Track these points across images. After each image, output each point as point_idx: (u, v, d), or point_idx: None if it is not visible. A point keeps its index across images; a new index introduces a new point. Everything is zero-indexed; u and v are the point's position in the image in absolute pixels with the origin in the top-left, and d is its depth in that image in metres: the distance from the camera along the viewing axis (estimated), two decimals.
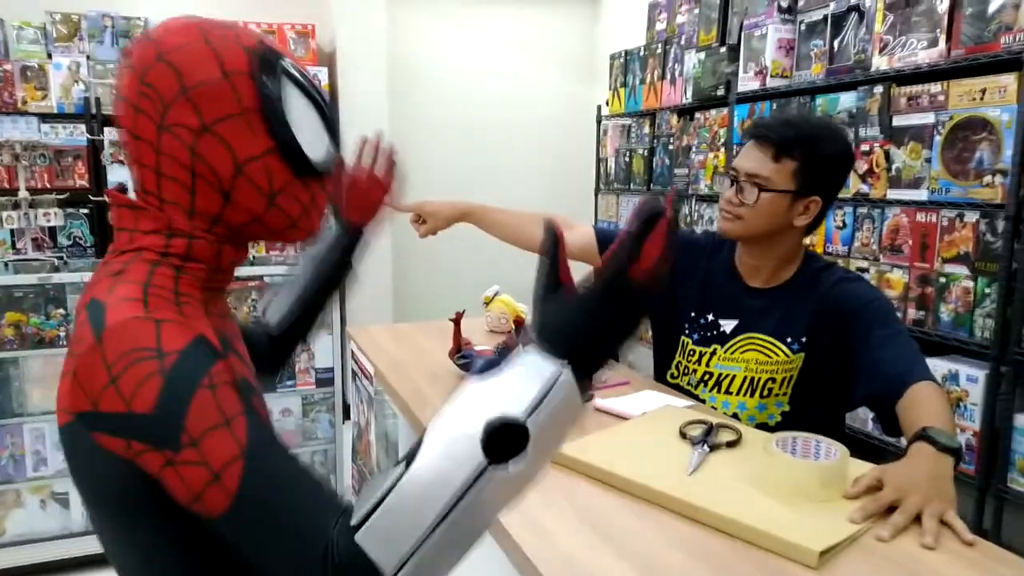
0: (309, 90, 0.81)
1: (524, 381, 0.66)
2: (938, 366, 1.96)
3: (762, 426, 1.48)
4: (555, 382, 0.65)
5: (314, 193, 0.82)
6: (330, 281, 1.23)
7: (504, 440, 0.63)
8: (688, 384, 1.62)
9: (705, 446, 1.17)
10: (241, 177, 0.76)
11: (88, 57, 3.42)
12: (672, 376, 1.66)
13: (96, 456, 0.69)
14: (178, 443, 0.64)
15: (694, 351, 1.60)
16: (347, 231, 1.23)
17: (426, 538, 0.63)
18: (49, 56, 3.40)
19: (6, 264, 2.72)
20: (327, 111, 0.83)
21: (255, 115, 0.76)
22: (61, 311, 2.65)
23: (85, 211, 3.38)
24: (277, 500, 0.65)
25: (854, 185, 2.25)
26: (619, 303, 0.68)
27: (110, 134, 3.26)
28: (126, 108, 0.77)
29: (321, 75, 3.81)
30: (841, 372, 1.44)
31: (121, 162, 3.22)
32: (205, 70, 0.74)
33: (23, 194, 2.90)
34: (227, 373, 0.68)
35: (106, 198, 3.13)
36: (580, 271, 0.72)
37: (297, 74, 0.80)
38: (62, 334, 2.64)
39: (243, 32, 0.79)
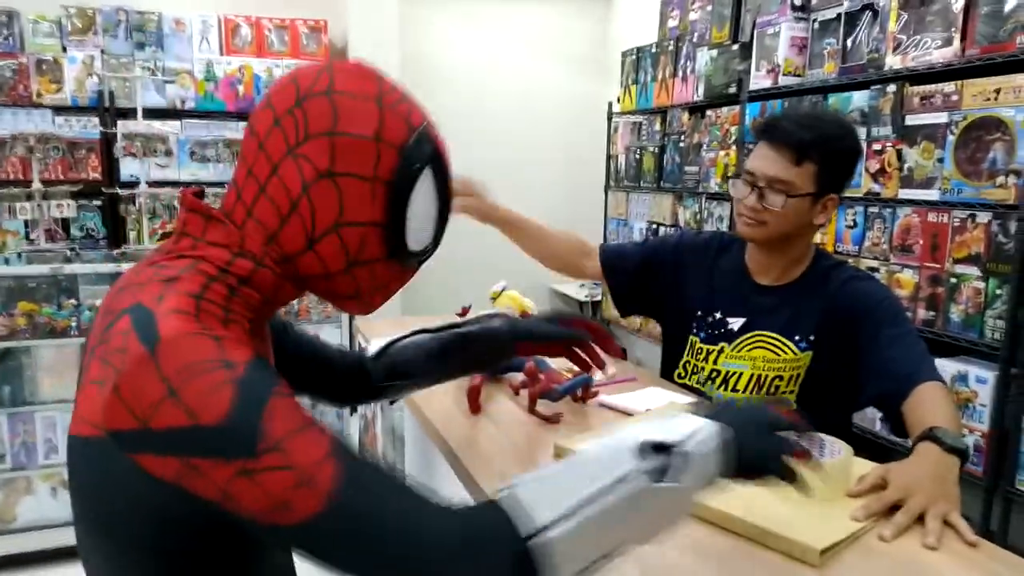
0: (443, 186, 0.80)
1: (681, 421, 0.74)
2: (947, 367, 1.95)
3: None
4: (708, 429, 0.73)
5: (393, 277, 0.81)
6: (464, 365, 1.22)
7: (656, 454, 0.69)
8: (696, 382, 1.62)
9: None
10: (335, 234, 0.75)
11: (102, 51, 3.44)
12: (679, 376, 1.66)
13: (128, 479, 0.64)
14: (255, 449, 0.61)
15: (702, 349, 1.60)
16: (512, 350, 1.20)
17: (577, 510, 0.64)
18: (64, 49, 3.42)
19: (19, 255, 2.75)
20: (446, 210, 0.82)
21: (382, 187, 0.74)
22: (73, 301, 2.68)
23: (98, 203, 3.41)
24: (378, 502, 0.63)
25: (865, 184, 2.24)
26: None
27: (123, 127, 3.28)
28: (268, 116, 0.76)
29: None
30: (849, 371, 1.43)
31: (133, 155, 3.24)
32: (362, 125, 0.74)
33: (36, 186, 2.93)
34: (288, 388, 0.67)
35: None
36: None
37: (441, 168, 0.79)
38: (74, 324, 2.67)
39: (416, 108, 0.79)
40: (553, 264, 1.84)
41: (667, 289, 1.70)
